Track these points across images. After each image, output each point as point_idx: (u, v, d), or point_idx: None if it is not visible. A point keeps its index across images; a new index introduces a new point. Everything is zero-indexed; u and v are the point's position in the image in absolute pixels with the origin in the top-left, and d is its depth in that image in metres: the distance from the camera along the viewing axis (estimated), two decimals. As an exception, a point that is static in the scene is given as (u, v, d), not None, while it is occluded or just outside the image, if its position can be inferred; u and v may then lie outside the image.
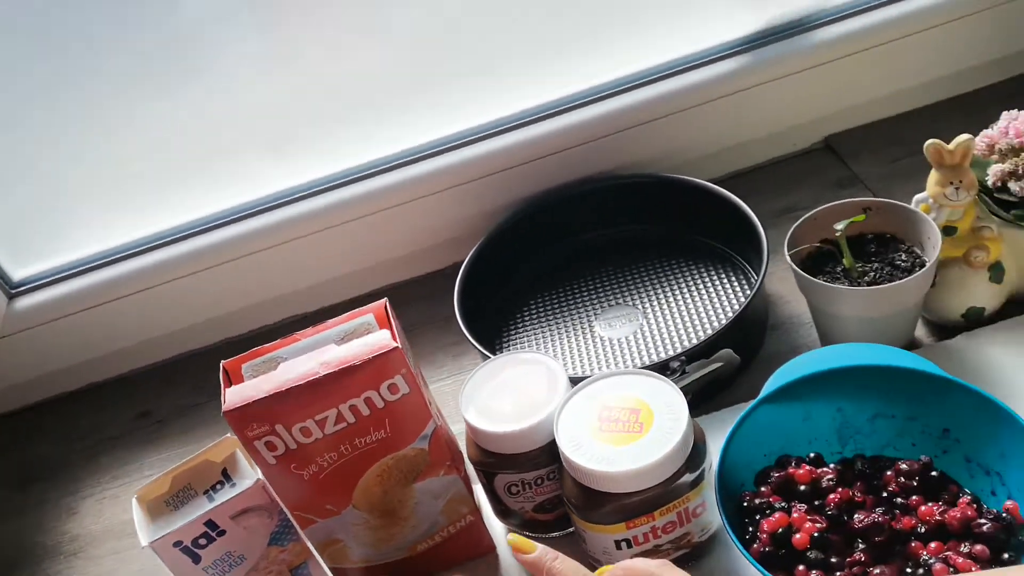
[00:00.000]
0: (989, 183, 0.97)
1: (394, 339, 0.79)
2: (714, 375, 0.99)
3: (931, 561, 0.75)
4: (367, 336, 0.80)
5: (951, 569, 0.74)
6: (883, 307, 0.96)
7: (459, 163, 1.26)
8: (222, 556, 0.82)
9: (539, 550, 0.76)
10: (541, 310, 1.22)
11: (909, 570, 0.76)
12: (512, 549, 0.78)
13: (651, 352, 1.11)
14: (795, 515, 0.79)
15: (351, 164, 1.28)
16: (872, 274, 0.97)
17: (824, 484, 0.81)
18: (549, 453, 0.86)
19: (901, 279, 0.94)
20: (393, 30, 1.22)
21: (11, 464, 1.27)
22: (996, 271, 0.98)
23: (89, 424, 1.29)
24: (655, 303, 1.17)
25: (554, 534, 0.93)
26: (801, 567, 0.77)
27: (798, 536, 0.78)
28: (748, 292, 1.14)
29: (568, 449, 0.81)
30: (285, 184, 1.28)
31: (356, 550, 0.90)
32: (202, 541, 0.81)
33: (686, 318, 1.14)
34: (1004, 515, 0.77)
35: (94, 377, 1.34)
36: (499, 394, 0.89)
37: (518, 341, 1.19)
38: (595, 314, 1.19)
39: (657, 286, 1.20)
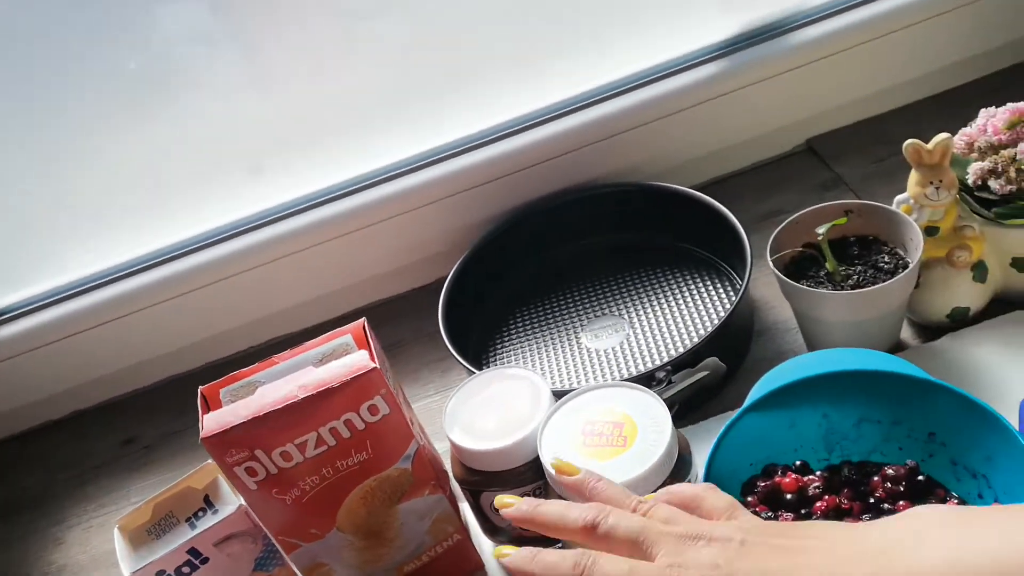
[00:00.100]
0: (969, 182, 0.96)
1: (372, 359, 0.79)
2: (700, 384, 0.98)
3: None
4: (345, 357, 0.80)
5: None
6: (867, 310, 0.95)
7: (440, 178, 1.26)
8: (206, 584, 0.82)
9: (583, 473, 0.74)
10: (527, 323, 1.21)
11: None
12: (555, 472, 0.76)
13: (638, 362, 1.11)
14: (783, 525, 0.79)
15: (331, 182, 1.27)
16: (855, 277, 0.97)
17: (811, 492, 0.81)
18: (535, 469, 0.85)
19: (884, 281, 0.94)
20: (368, 48, 1.22)
21: (-4, 495, 1.26)
22: (979, 270, 0.97)
23: (74, 452, 1.28)
24: (641, 312, 1.17)
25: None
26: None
27: (786, 546, 0.77)
28: (734, 298, 1.13)
29: (549, 463, 0.80)
30: (265, 204, 1.27)
31: (342, 573, 0.89)
32: (185, 569, 0.81)
33: (672, 326, 1.13)
34: (992, 518, 0.76)
35: (78, 405, 1.33)
36: (483, 411, 0.88)
37: (505, 354, 1.18)
38: (581, 325, 1.18)
39: (643, 295, 1.19)
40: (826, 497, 0.80)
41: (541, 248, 1.29)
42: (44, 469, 1.27)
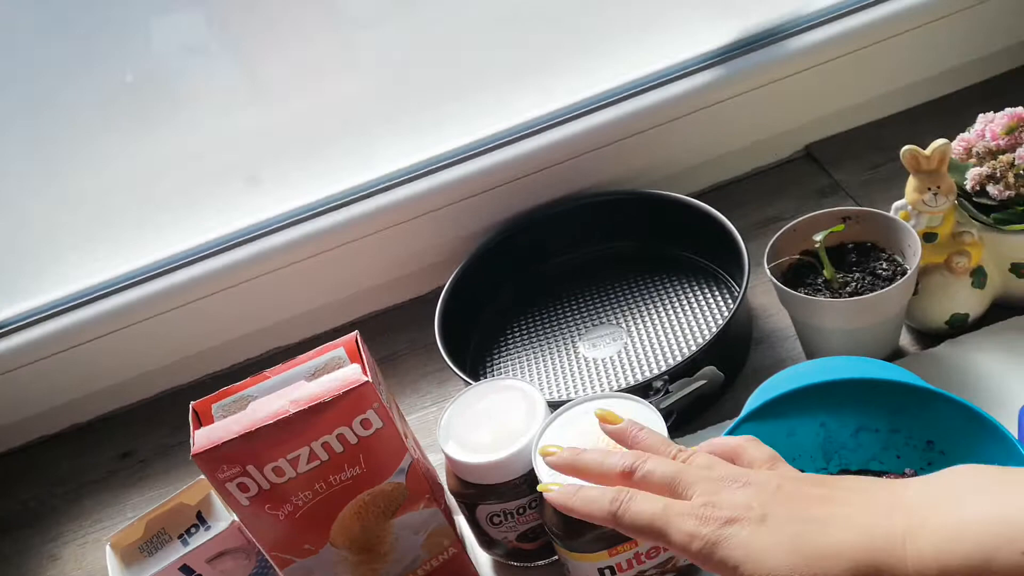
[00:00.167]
0: (968, 187, 0.96)
1: (365, 373, 0.78)
2: (698, 393, 0.98)
3: None
4: (338, 371, 0.79)
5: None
6: (865, 317, 0.94)
7: (437, 187, 1.25)
8: (199, 601, 0.81)
9: (625, 422, 0.75)
10: (525, 332, 1.21)
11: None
12: (600, 420, 0.76)
13: (636, 371, 1.10)
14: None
15: (328, 193, 1.26)
16: (853, 284, 0.96)
17: (809, 502, 0.80)
18: (530, 482, 0.84)
19: (883, 288, 0.93)
20: (364, 58, 1.22)
21: (-8, 511, 1.26)
22: (978, 276, 0.96)
23: (70, 467, 1.27)
24: (639, 321, 1.16)
25: (540, 562, 0.92)
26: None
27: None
28: (732, 306, 1.13)
29: (547, 478, 0.79)
30: (262, 216, 1.26)
31: (337, 588, 0.88)
32: (178, 587, 0.80)
33: (670, 335, 1.13)
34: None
35: (75, 419, 1.33)
36: (477, 424, 0.88)
37: (502, 364, 1.17)
38: (579, 334, 1.17)
39: (641, 303, 1.18)
40: (824, 507, 0.79)
41: (539, 257, 1.28)
42: (41, 483, 1.26)
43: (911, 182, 0.95)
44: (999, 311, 1.00)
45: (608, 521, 0.66)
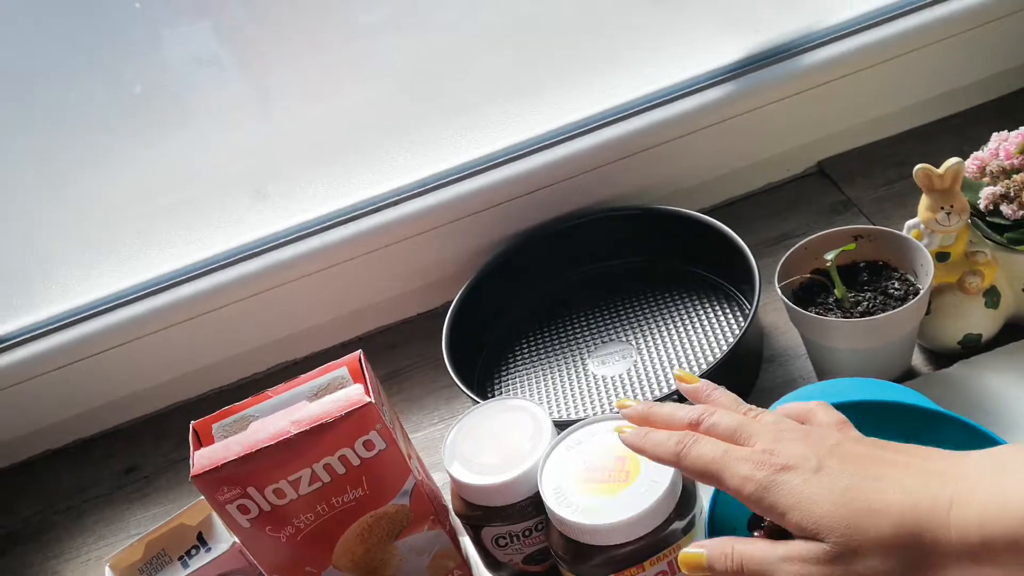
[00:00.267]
0: (981, 206, 0.94)
1: (368, 394, 0.77)
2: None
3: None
4: (340, 391, 0.78)
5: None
6: (877, 338, 0.93)
7: (446, 201, 1.24)
8: (199, 624, 0.80)
9: (700, 382, 0.76)
10: (533, 349, 1.20)
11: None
12: (676, 380, 0.77)
13: (646, 389, 1.09)
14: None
15: (336, 207, 1.26)
16: (865, 303, 0.95)
17: (818, 527, 0.79)
18: (536, 504, 0.83)
19: (895, 308, 0.92)
20: (373, 73, 1.21)
21: (-6, 527, 1.25)
22: (991, 296, 0.95)
23: (73, 482, 1.26)
24: (649, 338, 1.15)
25: (546, 586, 0.91)
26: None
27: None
28: (743, 324, 1.11)
29: (552, 502, 0.78)
30: (269, 230, 1.26)
31: (340, 610, 0.87)
32: (178, 609, 0.79)
33: (680, 353, 1.11)
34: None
35: (79, 433, 1.32)
36: (483, 444, 0.86)
37: (510, 381, 1.16)
38: (588, 351, 1.16)
39: (651, 320, 1.17)
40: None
41: (548, 272, 1.27)
42: (44, 500, 1.26)
43: (924, 201, 0.94)
44: (1013, 331, 0.99)
45: (672, 461, 0.69)
